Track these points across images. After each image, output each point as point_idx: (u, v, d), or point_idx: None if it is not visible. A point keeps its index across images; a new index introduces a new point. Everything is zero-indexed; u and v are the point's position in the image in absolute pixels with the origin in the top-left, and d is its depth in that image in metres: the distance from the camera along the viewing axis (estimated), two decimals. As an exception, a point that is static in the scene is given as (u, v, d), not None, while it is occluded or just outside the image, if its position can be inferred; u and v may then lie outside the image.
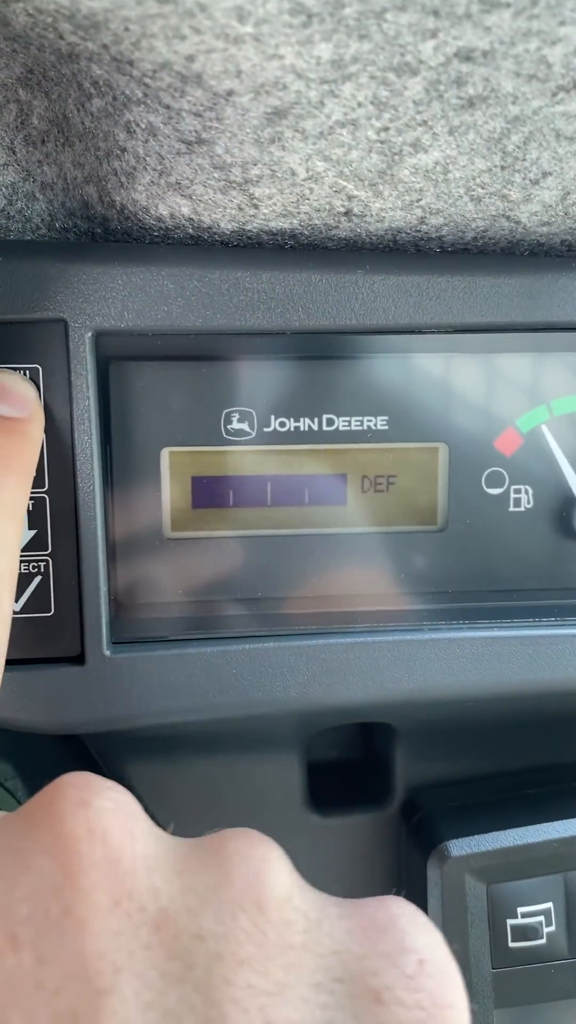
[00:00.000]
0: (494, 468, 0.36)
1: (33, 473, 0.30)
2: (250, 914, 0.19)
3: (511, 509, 0.37)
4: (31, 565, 0.33)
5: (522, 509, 0.37)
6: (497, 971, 0.37)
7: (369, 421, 0.35)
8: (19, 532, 0.28)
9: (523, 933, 0.37)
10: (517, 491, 0.36)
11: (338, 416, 0.35)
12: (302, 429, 0.35)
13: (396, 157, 0.28)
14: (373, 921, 0.20)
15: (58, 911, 0.18)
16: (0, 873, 0.19)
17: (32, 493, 0.33)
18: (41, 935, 0.17)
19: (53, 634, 0.33)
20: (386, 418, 0.35)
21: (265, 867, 0.20)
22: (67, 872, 0.18)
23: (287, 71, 0.24)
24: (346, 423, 0.35)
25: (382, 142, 0.27)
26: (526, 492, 0.36)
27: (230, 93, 0.25)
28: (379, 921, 0.20)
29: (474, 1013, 0.33)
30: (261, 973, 0.18)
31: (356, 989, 0.18)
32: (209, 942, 0.18)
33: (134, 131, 0.29)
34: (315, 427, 0.35)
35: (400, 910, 0.20)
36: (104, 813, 0.20)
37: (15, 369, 0.32)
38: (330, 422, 0.35)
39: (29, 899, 0.18)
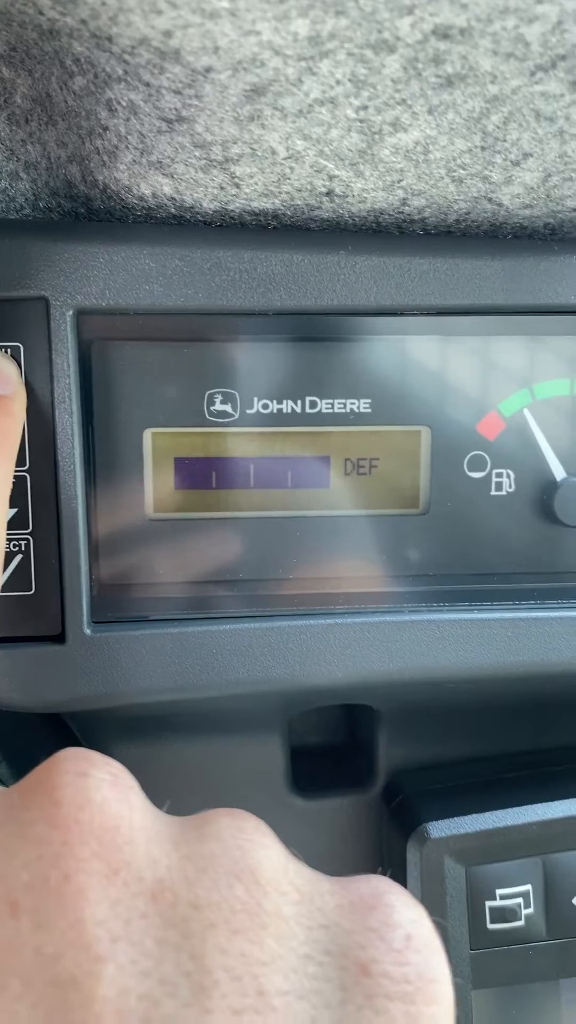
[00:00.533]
0: (476, 452, 0.36)
1: (16, 451, 0.31)
2: (245, 884, 0.19)
3: (493, 493, 0.37)
4: (12, 544, 0.33)
5: (504, 493, 0.37)
6: (475, 952, 0.37)
7: (352, 404, 0.35)
8: (4, 510, 0.29)
9: (501, 915, 0.37)
10: (499, 475, 0.37)
11: (321, 399, 0.35)
12: (285, 411, 0.35)
13: (376, 136, 0.28)
14: (361, 897, 0.20)
15: (57, 879, 0.18)
16: (1, 843, 0.19)
17: (13, 471, 0.33)
18: (40, 902, 0.18)
19: (33, 612, 0.33)
20: (369, 401, 0.35)
21: (258, 839, 0.20)
22: (66, 841, 0.19)
23: (264, 47, 0.24)
24: (329, 406, 0.35)
25: (361, 121, 0.27)
26: (508, 476, 0.37)
27: (208, 70, 0.25)
28: (367, 897, 0.20)
29: (456, 990, 0.33)
30: (254, 943, 0.18)
31: (344, 962, 0.19)
32: (205, 911, 0.18)
33: (115, 109, 0.29)
34: (298, 409, 0.35)
35: (387, 887, 0.21)
36: (103, 784, 0.20)
37: None
38: (313, 404, 0.35)
39: (29, 867, 0.18)
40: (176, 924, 0.18)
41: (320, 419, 0.35)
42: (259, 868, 0.20)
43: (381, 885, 0.21)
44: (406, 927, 0.20)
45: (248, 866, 0.20)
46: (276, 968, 0.18)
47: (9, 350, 0.32)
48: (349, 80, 0.25)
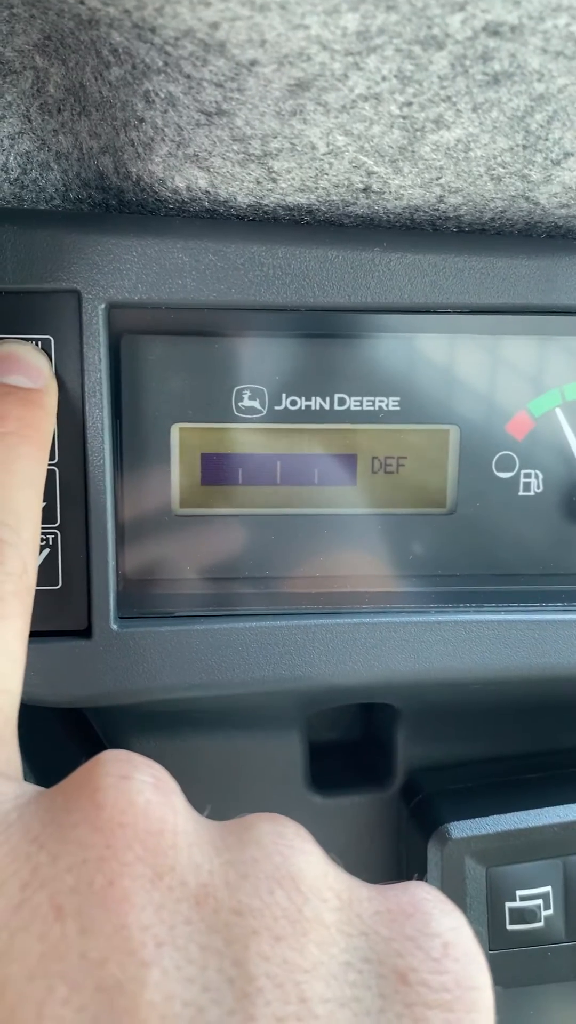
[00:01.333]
0: (505, 452, 0.36)
1: (49, 444, 0.30)
2: (286, 890, 0.19)
3: (521, 493, 0.36)
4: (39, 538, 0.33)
5: (532, 494, 0.36)
6: (494, 953, 0.37)
7: (381, 402, 0.35)
8: (40, 502, 0.28)
9: (521, 916, 0.37)
10: (527, 475, 0.36)
11: (350, 396, 0.35)
12: (313, 408, 0.35)
13: (418, 133, 0.28)
14: (399, 905, 0.20)
15: (102, 883, 0.18)
16: (44, 845, 0.19)
17: None
18: (85, 906, 0.18)
19: (60, 607, 0.33)
20: (398, 399, 0.35)
21: (299, 845, 0.20)
22: (110, 845, 0.18)
23: (312, 41, 0.24)
24: (357, 403, 0.35)
25: (404, 117, 0.27)
26: (536, 476, 0.36)
27: (253, 63, 0.25)
28: (405, 905, 0.20)
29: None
30: (296, 949, 0.18)
31: (383, 970, 0.19)
32: (247, 917, 0.18)
33: (153, 101, 0.29)
34: (326, 406, 0.35)
35: (425, 895, 0.21)
36: (146, 787, 0.20)
37: (27, 339, 0.32)
38: (341, 402, 0.35)
39: (73, 871, 0.18)
40: (219, 930, 0.18)
41: (348, 416, 0.35)
42: (300, 874, 0.20)
43: (419, 892, 0.21)
44: (444, 935, 0.20)
45: (289, 872, 0.20)
46: (318, 975, 0.18)
47: (40, 343, 0.32)
48: (395, 76, 0.25)
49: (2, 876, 0.18)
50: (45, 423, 0.30)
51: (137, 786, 0.20)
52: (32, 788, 0.21)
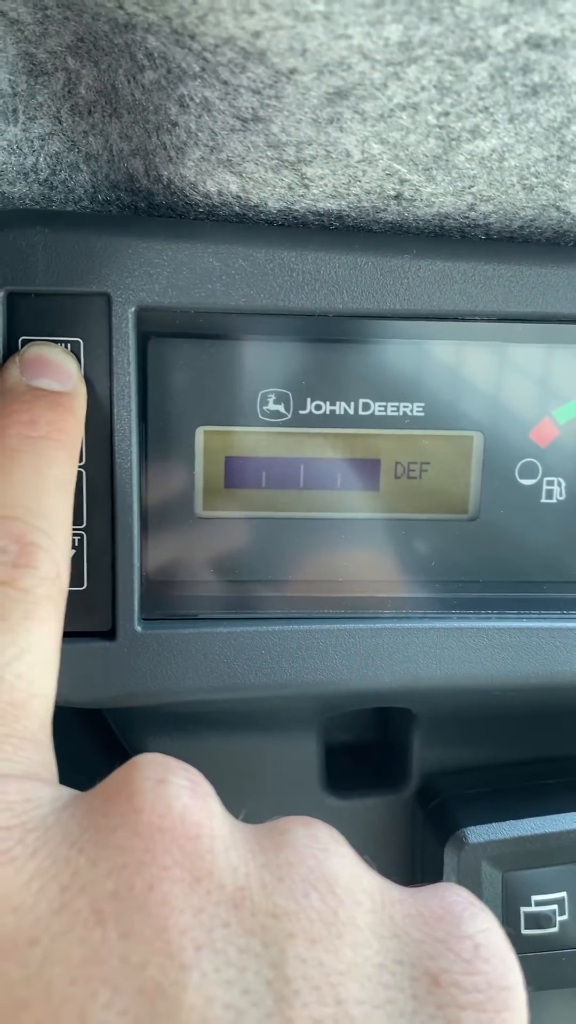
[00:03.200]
0: (528, 459, 0.36)
1: (78, 449, 0.30)
2: (321, 893, 0.19)
3: (543, 500, 0.36)
4: None
5: (554, 501, 0.36)
6: (509, 957, 0.38)
7: (405, 407, 0.35)
8: (71, 506, 0.28)
9: (536, 921, 0.37)
10: (550, 483, 0.36)
11: (374, 401, 0.35)
12: (338, 413, 0.35)
13: (454, 143, 0.28)
14: (430, 907, 0.20)
15: (142, 887, 0.18)
16: (83, 849, 0.19)
17: None
18: (125, 911, 0.18)
19: (85, 608, 0.33)
20: (422, 405, 0.35)
21: (333, 848, 0.20)
22: (149, 849, 0.19)
23: (353, 51, 0.24)
24: (382, 408, 0.35)
25: (441, 127, 0.27)
26: (559, 484, 0.36)
27: (292, 71, 0.25)
28: (436, 908, 0.20)
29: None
30: (331, 952, 0.18)
31: (416, 972, 0.19)
32: (283, 920, 0.18)
33: (187, 105, 0.28)
34: (351, 411, 0.35)
35: (456, 897, 0.21)
36: (183, 791, 0.20)
37: (57, 342, 0.32)
38: (366, 407, 0.35)
39: (113, 875, 0.18)
40: (256, 933, 0.18)
41: (372, 422, 0.35)
42: (334, 877, 0.20)
43: (450, 894, 0.21)
44: (475, 937, 0.20)
45: (323, 875, 0.20)
46: (353, 977, 0.18)
47: (69, 345, 0.32)
48: (434, 86, 0.25)
49: (42, 880, 0.18)
50: (75, 426, 0.30)
51: (174, 790, 0.20)
52: (68, 792, 0.21)
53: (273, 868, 0.20)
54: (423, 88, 0.25)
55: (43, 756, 0.23)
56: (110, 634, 0.34)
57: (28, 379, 0.30)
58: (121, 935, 0.18)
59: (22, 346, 0.32)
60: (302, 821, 0.21)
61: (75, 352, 0.32)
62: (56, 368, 0.31)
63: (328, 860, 0.20)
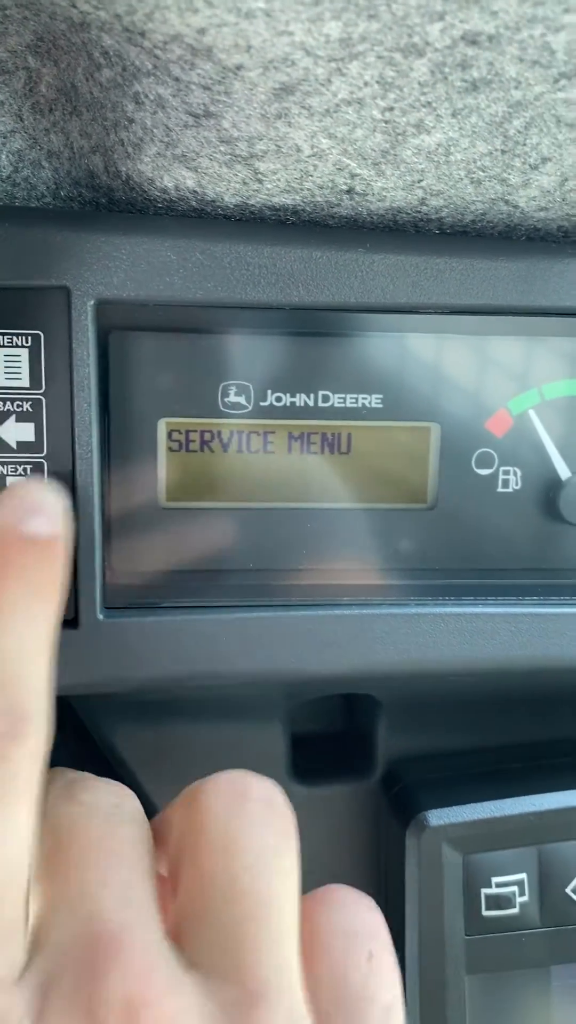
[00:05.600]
0: (484, 449, 0.37)
1: (61, 608, 0.28)
2: None
3: (499, 490, 0.37)
4: None
5: (510, 490, 0.37)
6: (470, 938, 0.38)
7: (364, 399, 0.36)
8: (52, 671, 0.27)
9: (497, 902, 0.38)
10: (506, 472, 0.37)
11: (334, 393, 0.36)
12: (298, 405, 0.36)
13: (400, 137, 0.29)
14: None
15: None
16: None
17: (30, 457, 0.33)
18: None
19: None
20: (380, 396, 0.36)
21: None
22: None
23: (296, 48, 0.24)
24: (341, 400, 0.36)
25: (386, 122, 0.28)
26: (515, 474, 0.37)
27: (239, 67, 0.26)
28: None
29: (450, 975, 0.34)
30: None
31: None
32: None
33: (142, 102, 0.29)
34: (311, 403, 0.36)
35: None
36: None
37: (16, 335, 0.32)
38: (325, 398, 0.36)
39: None
40: None
41: (332, 413, 0.36)
42: None
43: None
44: None
45: None
46: None
47: (29, 339, 0.32)
48: (377, 82, 0.26)
49: None
50: (62, 578, 0.28)
51: None
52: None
53: None
54: (366, 84, 0.26)
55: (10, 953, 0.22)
56: (73, 623, 0.34)
57: (20, 523, 0.28)
58: None
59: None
60: None
61: (35, 346, 0.33)
62: (46, 510, 0.28)
63: None
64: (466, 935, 0.38)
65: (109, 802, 0.26)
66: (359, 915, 0.25)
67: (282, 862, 0.24)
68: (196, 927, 0.22)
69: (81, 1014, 0.20)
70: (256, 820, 0.24)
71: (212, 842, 0.24)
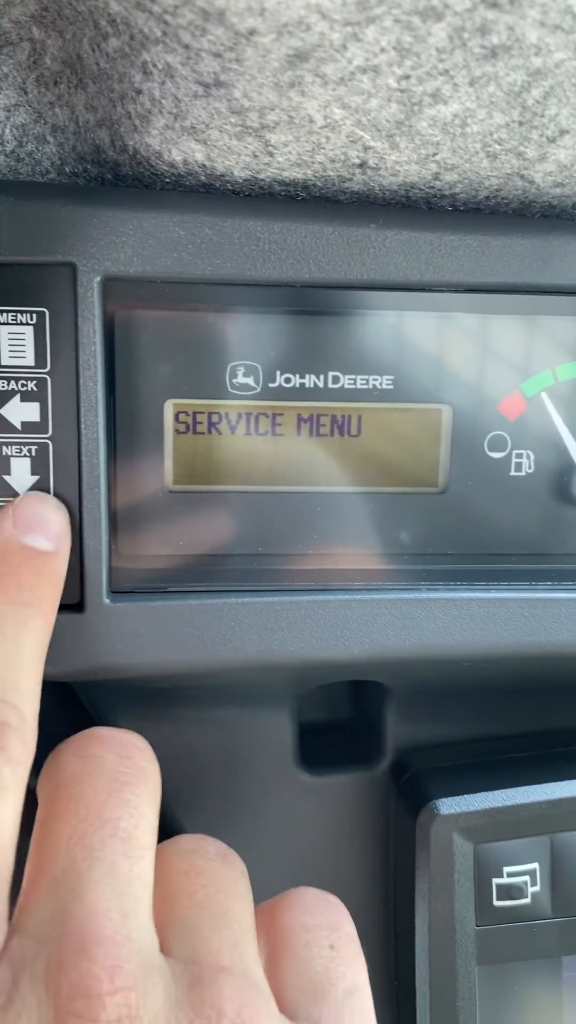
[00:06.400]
0: (497, 432, 0.36)
1: (53, 620, 0.30)
2: None
3: (512, 473, 0.37)
4: None
5: (523, 474, 0.37)
6: (481, 928, 0.38)
7: (375, 380, 0.35)
8: (42, 676, 0.28)
9: (508, 892, 0.38)
10: (519, 456, 0.37)
11: (344, 374, 0.35)
12: (307, 386, 0.35)
13: (415, 107, 0.28)
14: None
15: None
16: None
17: (35, 438, 0.33)
18: None
19: None
20: (391, 378, 0.35)
21: None
22: None
23: (312, 10, 0.24)
24: (351, 381, 0.35)
25: (402, 91, 0.27)
26: (528, 457, 0.37)
27: (252, 32, 0.25)
28: None
29: (460, 966, 0.34)
30: None
31: None
32: None
33: (151, 72, 0.28)
34: (320, 384, 0.35)
35: None
36: None
37: (20, 312, 0.32)
38: (336, 380, 0.35)
39: None
40: None
41: (342, 395, 0.35)
42: None
43: None
44: None
45: None
46: None
47: (34, 316, 0.32)
48: (394, 48, 0.25)
49: None
50: (56, 591, 0.30)
51: None
52: None
53: None
54: (382, 50, 0.25)
55: None
56: (79, 607, 0.34)
57: (21, 535, 0.30)
58: None
59: None
60: None
61: (40, 323, 0.32)
62: (46, 523, 0.30)
63: None
64: (477, 925, 0.38)
65: (114, 756, 0.27)
66: (321, 911, 0.27)
67: (238, 889, 0.27)
68: (170, 927, 0.25)
69: (49, 997, 0.21)
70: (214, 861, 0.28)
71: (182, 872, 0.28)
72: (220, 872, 0.27)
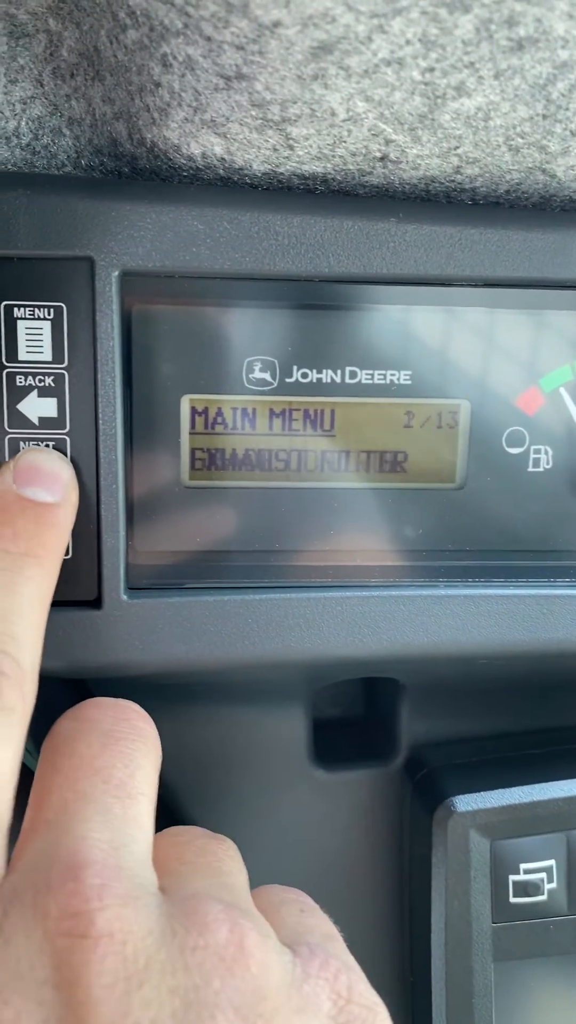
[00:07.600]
0: (515, 427, 0.36)
1: (58, 569, 0.30)
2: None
3: (530, 469, 0.36)
4: None
5: (541, 469, 0.36)
6: (497, 925, 0.38)
7: (392, 375, 0.35)
8: (43, 624, 0.28)
9: (524, 889, 0.38)
10: (537, 451, 0.36)
11: (361, 369, 0.35)
12: (324, 381, 0.35)
13: (439, 100, 0.28)
14: None
15: None
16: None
17: (52, 433, 0.32)
18: None
19: (71, 577, 0.33)
20: (409, 373, 0.35)
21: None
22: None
23: (338, 2, 0.23)
24: (368, 376, 0.35)
25: (426, 84, 0.27)
26: (546, 453, 0.36)
27: (276, 24, 0.25)
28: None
29: (477, 962, 0.34)
30: None
31: None
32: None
33: (170, 65, 0.28)
34: (337, 379, 0.35)
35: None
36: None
37: (38, 307, 0.32)
38: (353, 375, 0.35)
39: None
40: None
41: (359, 390, 0.35)
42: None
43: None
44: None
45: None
46: None
47: (51, 311, 0.32)
48: (419, 40, 0.25)
49: None
50: (57, 542, 0.29)
51: None
52: None
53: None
54: (408, 42, 0.25)
55: None
56: (96, 603, 0.33)
57: (19, 487, 0.30)
58: None
59: (4, 313, 0.31)
60: None
61: (57, 317, 0.32)
62: (47, 476, 0.30)
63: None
64: (493, 922, 0.38)
65: (110, 717, 0.28)
66: (286, 892, 0.29)
67: (229, 855, 0.29)
68: (163, 879, 0.26)
69: (37, 920, 0.21)
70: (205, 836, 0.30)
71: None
72: (211, 843, 0.29)
